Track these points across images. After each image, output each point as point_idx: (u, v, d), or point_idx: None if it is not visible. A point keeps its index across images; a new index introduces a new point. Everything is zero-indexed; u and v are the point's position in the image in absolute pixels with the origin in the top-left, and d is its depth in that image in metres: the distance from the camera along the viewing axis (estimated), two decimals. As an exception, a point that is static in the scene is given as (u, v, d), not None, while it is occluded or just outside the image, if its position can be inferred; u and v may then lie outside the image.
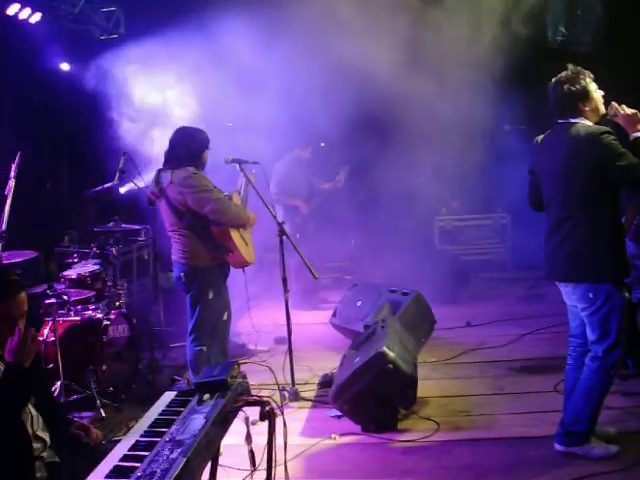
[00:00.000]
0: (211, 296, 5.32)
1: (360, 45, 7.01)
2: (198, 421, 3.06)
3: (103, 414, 5.44)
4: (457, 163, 8.54)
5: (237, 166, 5.66)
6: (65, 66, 8.60)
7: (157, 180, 5.32)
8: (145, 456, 2.82)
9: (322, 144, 8.97)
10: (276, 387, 5.37)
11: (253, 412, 3.36)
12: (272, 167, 8.29)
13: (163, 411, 3.31)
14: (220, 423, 3.15)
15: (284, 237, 5.76)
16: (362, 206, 9.07)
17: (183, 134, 5.37)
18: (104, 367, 5.67)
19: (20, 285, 3.23)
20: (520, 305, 8.48)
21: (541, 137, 4.56)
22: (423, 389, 5.43)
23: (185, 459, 2.69)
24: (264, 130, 7.36)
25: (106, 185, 7.09)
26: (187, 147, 5.30)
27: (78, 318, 5.73)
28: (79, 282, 6.06)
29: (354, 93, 7.49)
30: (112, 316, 5.88)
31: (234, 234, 5.32)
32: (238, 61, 7.17)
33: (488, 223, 10.45)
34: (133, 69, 7.42)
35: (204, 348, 5.34)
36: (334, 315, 7.17)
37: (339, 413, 5.28)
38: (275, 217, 5.66)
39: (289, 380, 5.79)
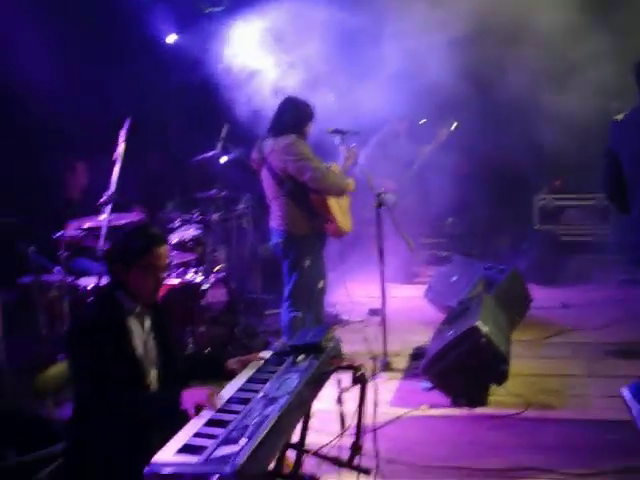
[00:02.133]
0: (308, 264, 5.43)
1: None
2: (292, 380, 3.14)
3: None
4: (561, 142, 8.32)
5: (337, 137, 5.71)
6: (172, 37, 8.82)
7: (259, 147, 5.47)
8: (239, 410, 2.93)
9: (423, 120, 8.83)
10: (368, 357, 5.51)
11: (345, 378, 3.44)
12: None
13: (258, 369, 3.42)
14: (313, 384, 3.24)
15: (382, 208, 5.77)
16: (461, 183, 8.94)
17: (290, 103, 5.48)
18: (202, 329, 5.85)
19: (162, 238, 3.39)
20: (619, 288, 8.24)
21: (621, 115, 4.38)
22: (515, 367, 5.36)
23: (278, 415, 2.78)
24: (366, 101, 7.34)
25: (208, 154, 7.27)
26: (292, 116, 5.42)
27: (179, 281, 5.91)
28: (180, 246, 6.25)
29: (459, 68, 7.40)
30: (211, 280, 6.05)
31: (332, 203, 5.39)
32: (341, 30, 7.17)
33: (591, 204, 10.15)
34: (237, 40, 7.52)
35: (299, 314, 5.46)
36: (428, 290, 7.18)
37: (430, 385, 5.30)
38: (373, 188, 5.68)
39: (381, 351, 5.83)
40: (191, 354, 5.31)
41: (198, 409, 2.96)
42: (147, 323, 3.43)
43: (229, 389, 3.19)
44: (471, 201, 9.33)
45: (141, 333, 3.38)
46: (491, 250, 9.17)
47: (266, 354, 3.62)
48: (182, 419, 2.92)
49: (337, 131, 5.65)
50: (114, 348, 3.19)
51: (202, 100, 8.04)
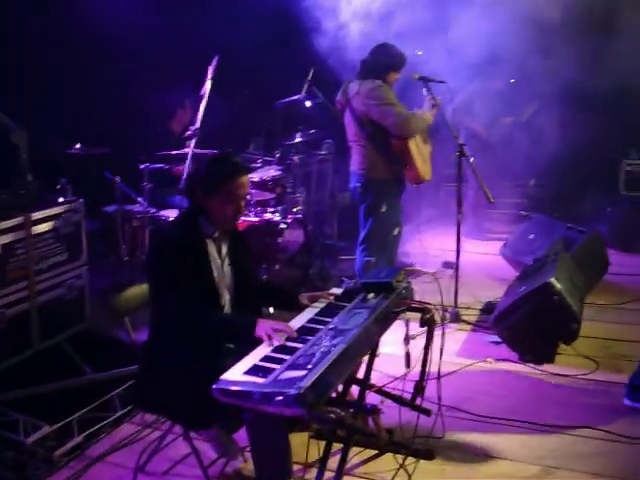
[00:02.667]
0: (384, 209, 5.45)
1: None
2: (361, 316, 3.22)
3: (272, 311, 5.74)
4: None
5: (424, 85, 5.67)
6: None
7: (345, 90, 5.49)
8: (308, 340, 3.02)
9: (512, 80, 8.62)
10: (438, 307, 5.51)
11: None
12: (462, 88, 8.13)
13: (329, 303, 3.50)
14: (381, 321, 3.30)
15: (463, 159, 5.73)
16: (546, 145, 8.75)
17: (381, 49, 5.46)
18: (277, 267, 5.95)
19: (244, 167, 3.48)
20: None
21: None
22: (587, 329, 5.31)
23: (345, 346, 2.86)
24: (454, 58, 7.24)
25: (294, 97, 7.30)
26: (381, 62, 5.40)
27: (257, 219, 5.99)
28: (260, 185, 6.34)
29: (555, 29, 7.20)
30: (289, 220, 6.12)
31: (413, 148, 5.38)
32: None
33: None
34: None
35: (372, 259, 5.50)
36: (504, 246, 7.12)
37: (498, 339, 5.31)
38: (456, 137, 5.63)
39: (452, 302, 5.85)
40: (267, 281, 5.41)
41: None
42: (224, 248, 3.53)
43: (298, 320, 3.29)
44: (556, 163, 9.12)
45: (217, 258, 3.48)
46: (573, 213, 8.98)
47: (337, 291, 3.70)
48: (253, 345, 3.02)
49: (423, 78, 5.61)
50: (192, 268, 3.30)
51: (291, 42, 8.04)
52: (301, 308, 3.51)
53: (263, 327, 3.11)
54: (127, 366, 4.46)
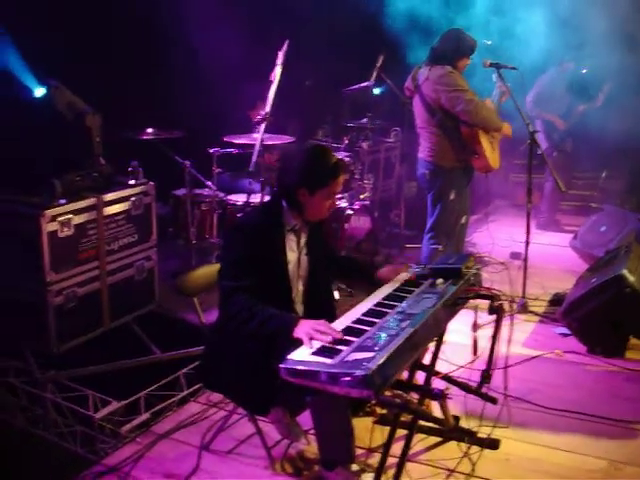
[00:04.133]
0: (452, 197, 5.41)
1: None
2: (429, 301, 3.20)
3: (337, 296, 5.75)
4: None
5: (494, 74, 5.60)
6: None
7: (414, 76, 5.45)
8: (376, 322, 3.01)
9: (584, 70, 8.40)
10: (506, 298, 5.46)
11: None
12: (534, 78, 7.99)
13: (397, 288, 3.48)
14: (449, 307, 3.27)
15: (535, 148, 5.62)
16: (617, 135, 8.52)
17: (452, 35, 5.40)
18: (343, 253, 5.95)
19: (345, 164, 3.47)
20: None
21: None
22: (659, 323, 5.21)
23: (413, 329, 2.85)
24: (529, 41, 7.11)
25: (362, 84, 7.29)
26: (452, 47, 5.34)
27: (325, 205, 5.98)
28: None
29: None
30: (356, 207, 6.11)
31: (483, 137, 5.32)
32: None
33: None
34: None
35: (440, 247, 5.47)
36: (575, 238, 6.99)
37: (567, 331, 5.22)
38: (528, 125, 5.52)
39: (520, 293, 5.77)
40: (347, 256, 5.41)
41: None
42: (303, 239, 3.52)
43: (363, 305, 3.27)
44: (628, 154, 8.89)
45: (295, 249, 3.48)
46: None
47: (394, 285, 3.63)
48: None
49: (494, 65, 5.52)
50: (266, 259, 3.31)
51: (361, 28, 8.01)
52: (380, 283, 3.52)
53: (303, 327, 2.98)
54: (194, 347, 4.51)
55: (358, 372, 2.49)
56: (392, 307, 3.19)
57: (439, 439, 3.82)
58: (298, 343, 2.88)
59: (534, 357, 4.92)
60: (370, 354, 2.62)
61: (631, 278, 4.80)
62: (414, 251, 6.90)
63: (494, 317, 3.50)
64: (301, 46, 6.10)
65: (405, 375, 3.45)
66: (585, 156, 8.51)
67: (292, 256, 3.45)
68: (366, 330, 2.93)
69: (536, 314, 5.67)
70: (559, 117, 8.03)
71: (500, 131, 5.51)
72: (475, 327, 3.42)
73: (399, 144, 7.99)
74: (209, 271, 3.78)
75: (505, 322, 3.62)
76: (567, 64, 7.96)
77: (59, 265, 4.61)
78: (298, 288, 3.52)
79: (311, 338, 2.90)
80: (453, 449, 3.72)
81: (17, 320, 4.65)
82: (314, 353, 2.74)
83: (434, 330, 3.17)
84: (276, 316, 3.15)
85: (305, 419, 3.46)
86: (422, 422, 3.61)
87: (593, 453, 3.78)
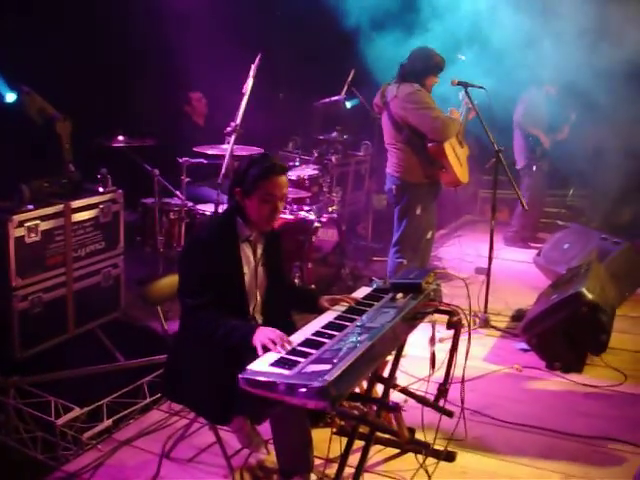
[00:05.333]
0: (418, 212, 5.49)
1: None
2: (388, 315, 3.27)
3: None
4: None
5: (461, 92, 5.70)
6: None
7: (383, 92, 5.53)
8: (335, 335, 3.08)
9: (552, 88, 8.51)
10: (466, 311, 5.52)
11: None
12: (503, 97, 8.06)
13: (357, 302, 3.54)
14: (408, 321, 3.35)
15: (500, 166, 5.71)
16: (587, 155, 8.65)
17: (419, 53, 5.47)
18: (309, 265, 6.00)
19: (283, 168, 3.48)
20: None
21: None
22: (617, 340, 5.32)
23: (370, 343, 2.91)
24: (502, 64, 7.23)
25: (333, 98, 7.37)
26: (420, 65, 5.42)
27: (292, 217, 6.04)
28: (297, 183, 6.40)
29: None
30: (323, 219, 6.16)
31: (449, 152, 5.41)
32: None
33: None
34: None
35: (404, 261, 5.54)
36: (538, 255, 7.11)
37: (526, 347, 5.31)
38: (494, 143, 5.62)
39: (482, 308, 5.86)
40: (291, 284, 5.45)
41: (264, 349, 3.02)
42: (259, 250, 3.57)
43: (319, 322, 3.32)
44: (595, 173, 9.04)
45: (252, 259, 3.53)
46: (612, 224, 8.90)
47: (360, 294, 3.71)
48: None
49: (462, 84, 5.62)
50: (222, 272, 3.35)
51: (333, 44, 8.09)
52: (321, 311, 3.51)
53: (259, 336, 3.07)
54: (158, 355, 4.53)
55: (315, 384, 2.55)
56: (352, 320, 3.26)
57: (397, 451, 3.89)
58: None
59: (493, 371, 5.01)
60: (327, 366, 2.68)
61: (589, 296, 4.90)
62: (381, 264, 6.99)
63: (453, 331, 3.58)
64: (275, 59, 6.17)
65: (365, 387, 3.53)
66: (554, 174, 8.64)
67: (248, 268, 3.50)
68: (325, 342, 2.99)
69: (497, 329, 5.77)
70: (544, 134, 8.10)
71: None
72: (432, 341, 3.50)
73: (369, 157, 8.07)
74: (174, 280, 3.80)
75: (466, 335, 3.69)
76: (549, 87, 8.05)
77: (25, 270, 4.60)
78: (257, 299, 3.57)
79: (264, 346, 2.99)
80: (410, 461, 3.78)
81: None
82: (272, 364, 2.79)
83: (392, 344, 3.24)
84: (238, 327, 3.22)
85: (265, 429, 3.50)
86: (380, 434, 3.67)
87: (549, 467, 3.85)
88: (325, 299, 3.61)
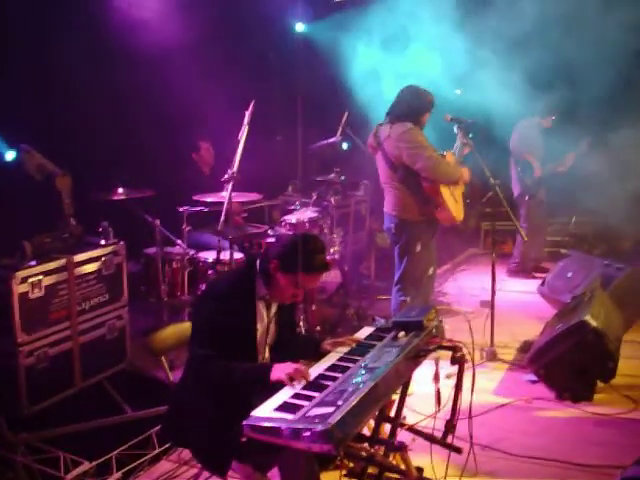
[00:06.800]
0: (419, 249, 5.51)
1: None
2: (391, 354, 3.27)
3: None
4: None
5: (455, 126, 5.75)
6: (300, 26, 9.08)
7: (376, 133, 5.59)
8: (338, 377, 3.08)
9: (552, 117, 8.57)
10: (474, 347, 5.50)
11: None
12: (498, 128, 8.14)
13: (360, 342, 3.55)
14: (411, 359, 3.35)
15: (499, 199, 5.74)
16: (587, 182, 8.68)
17: (409, 92, 5.54)
18: (313, 307, 6.02)
19: (326, 267, 3.50)
20: None
21: None
22: (626, 367, 5.30)
23: (374, 383, 2.91)
24: (495, 94, 7.30)
25: (329, 140, 7.45)
26: (410, 105, 5.48)
27: (294, 260, 6.05)
28: (297, 227, 6.41)
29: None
30: (325, 261, 6.18)
31: (444, 191, 5.45)
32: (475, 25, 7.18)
33: None
34: (366, 31, 7.65)
35: (407, 299, 5.55)
36: (542, 284, 7.11)
37: (535, 378, 5.29)
38: (489, 177, 5.66)
39: (488, 341, 5.85)
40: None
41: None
42: (273, 308, 3.60)
43: (323, 363, 3.34)
44: (596, 201, 9.06)
45: (265, 317, 3.56)
46: (614, 251, 8.91)
47: (362, 335, 3.72)
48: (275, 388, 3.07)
49: (455, 119, 5.69)
50: (236, 327, 3.38)
51: (325, 86, 8.20)
52: (324, 356, 3.50)
53: (277, 371, 3.14)
54: (165, 405, 4.53)
55: (318, 427, 2.55)
56: (355, 361, 3.26)
57: (408, 490, 3.86)
58: (263, 399, 2.94)
59: (502, 405, 4.99)
60: (331, 409, 2.68)
61: (593, 323, 4.90)
62: (385, 302, 6.98)
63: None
64: (269, 104, 6.24)
65: (372, 426, 3.52)
66: (556, 201, 8.65)
67: (261, 325, 3.52)
68: (328, 385, 2.99)
69: (505, 362, 5.76)
70: (539, 163, 8.11)
71: (461, 181, 5.64)
72: (437, 378, 3.49)
73: (368, 197, 8.11)
74: (177, 330, 3.85)
75: (471, 369, 3.68)
76: (547, 119, 8.08)
77: (30, 326, 4.64)
78: (264, 355, 3.61)
79: (289, 376, 3.06)
80: (422, 500, 3.75)
81: (-13, 382, 4.66)
82: (276, 409, 2.79)
83: (396, 382, 3.24)
84: (253, 367, 3.31)
85: (276, 474, 3.49)
86: (389, 474, 3.65)
87: (562, 499, 3.84)
88: (327, 343, 3.62)
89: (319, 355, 3.51)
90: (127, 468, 4.11)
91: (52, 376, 4.81)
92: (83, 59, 6.31)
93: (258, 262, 3.51)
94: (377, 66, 7.33)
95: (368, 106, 6.89)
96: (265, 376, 3.16)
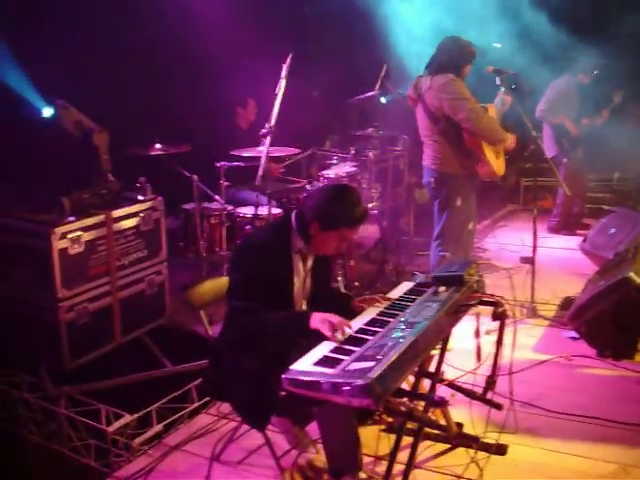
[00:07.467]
0: (459, 203, 5.43)
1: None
2: (431, 308, 3.24)
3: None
4: None
5: (497, 78, 5.61)
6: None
7: (416, 85, 5.48)
8: (378, 331, 3.06)
9: (595, 71, 8.35)
10: (515, 303, 5.45)
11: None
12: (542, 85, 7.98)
13: (400, 297, 3.52)
14: (452, 314, 3.31)
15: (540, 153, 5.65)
16: (629, 137, 8.49)
17: (451, 42, 5.41)
18: (352, 263, 5.99)
19: (366, 215, 3.43)
20: None
21: None
22: (670, 324, 5.20)
23: (414, 338, 2.88)
24: (539, 50, 7.14)
25: (368, 94, 7.34)
26: (451, 55, 5.35)
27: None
28: (336, 181, 6.37)
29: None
30: (364, 216, 6.13)
31: (486, 144, 5.34)
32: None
33: None
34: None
35: (447, 254, 5.48)
36: (584, 241, 6.98)
37: (576, 335, 5.22)
38: (531, 130, 5.54)
39: (529, 298, 5.78)
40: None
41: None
42: (310, 262, 3.57)
43: (361, 318, 3.32)
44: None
45: (302, 271, 3.53)
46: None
47: (403, 289, 3.68)
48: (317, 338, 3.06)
49: (497, 71, 5.54)
50: (275, 278, 3.35)
51: (364, 38, 8.06)
52: (356, 314, 3.44)
53: (317, 319, 3.13)
54: (205, 359, 4.56)
55: (358, 381, 2.53)
56: (395, 316, 3.23)
57: (447, 446, 3.85)
58: (303, 350, 2.93)
59: (543, 362, 4.92)
60: (371, 363, 2.66)
61: (637, 280, 4.79)
62: (424, 258, 6.92)
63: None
64: (307, 58, 6.15)
65: (412, 382, 3.50)
66: (597, 158, 8.48)
67: (298, 279, 3.50)
68: (368, 339, 2.97)
69: (545, 318, 5.68)
70: (573, 123, 7.94)
71: (504, 144, 5.52)
72: (477, 334, 3.46)
73: (407, 152, 8.01)
74: (215, 285, 3.84)
75: (512, 326, 3.64)
76: (583, 76, 7.89)
77: (70, 282, 4.67)
78: (302, 309, 3.58)
79: (330, 324, 3.05)
80: (461, 456, 3.74)
81: (31, 336, 4.72)
82: (316, 363, 2.78)
83: (436, 338, 3.21)
84: (291, 315, 3.34)
85: (315, 428, 3.50)
86: (429, 429, 3.64)
87: (602, 457, 3.78)
88: (358, 300, 3.58)
89: (351, 313, 3.45)
90: (167, 421, 4.15)
91: (92, 331, 4.85)
92: (116, 13, 6.28)
93: (294, 217, 3.46)
94: (416, 18, 7.17)
95: (407, 59, 6.76)
96: (305, 323, 3.15)
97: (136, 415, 4.08)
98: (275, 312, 3.27)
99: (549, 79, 7.89)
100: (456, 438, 3.75)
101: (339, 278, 5.87)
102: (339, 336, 3.01)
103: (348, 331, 3.08)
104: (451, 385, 3.66)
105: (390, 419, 3.81)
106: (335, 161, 6.89)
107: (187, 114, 6.93)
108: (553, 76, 7.92)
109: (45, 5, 5.89)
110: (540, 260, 5.94)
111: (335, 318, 3.10)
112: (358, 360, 2.75)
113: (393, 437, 3.34)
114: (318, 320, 3.12)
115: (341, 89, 7.98)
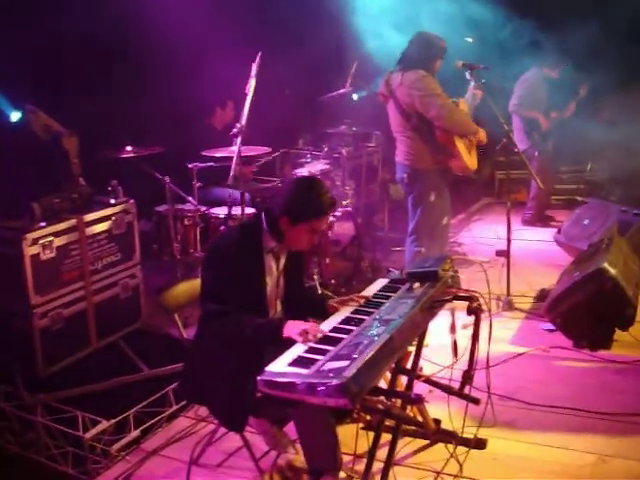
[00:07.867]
0: (432, 199, 5.44)
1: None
2: (406, 305, 3.23)
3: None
4: None
5: (467, 72, 5.62)
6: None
7: (387, 81, 5.48)
8: (353, 330, 3.04)
9: (566, 64, 8.39)
10: (490, 296, 5.45)
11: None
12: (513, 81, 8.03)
13: (375, 294, 3.51)
14: (427, 310, 3.31)
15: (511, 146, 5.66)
16: (602, 128, 8.54)
17: (421, 38, 5.42)
18: (327, 261, 5.97)
19: (333, 203, 3.41)
20: None
21: None
22: (645, 314, 5.24)
23: (389, 335, 2.87)
24: (507, 46, 7.16)
25: (339, 91, 7.32)
26: (420, 51, 5.36)
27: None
28: (308, 179, 6.35)
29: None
30: (338, 214, 6.13)
31: (458, 139, 5.35)
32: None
33: None
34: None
35: (422, 249, 5.49)
36: (558, 232, 7.02)
37: (552, 327, 5.24)
38: (503, 123, 5.57)
39: (505, 291, 5.79)
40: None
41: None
42: (282, 261, 3.54)
43: (336, 317, 3.30)
44: (612, 147, 8.92)
45: (274, 271, 3.50)
46: (631, 197, 8.79)
47: (377, 286, 3.67)
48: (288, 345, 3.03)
49: (467, 65, 5.56)
50: (247, 280, 3.33)
51: (333, 36, 8.04)
52: (330, 315, 3.41)
53: (291, 327, 3.11)
54: (181, 362, 4.52)
55: (333, 381, 2.51)
56: (369, 314, 3.22)
57: (426, 442, 3.85)
58: (278, 354, 2.91)
59: (520, 354, 4.95)
60: (346, 362, 2.64)
61: (612, 271, 4.82)
62: (399, 254, 6.93)
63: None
64: (276, 57, 6.12)
65: (389, 379, 3.49)
66: (570, 149, 8.52)
67: (271, 279, 3.47)
68: (343, 338, 2.96)
69: (522, 311, 5.71)
70: (543, 115, 7.98)
71: (476, 138, 5.53)
72: (453, 329, 3.45)
73: (380, 148, 8.00)
74: (189, 287, 3.81)
75: (488, 319, 3.64)
76: (549, 71, 7.95)
77: (43, 288, 4.63)
78: (277, 309, 3.57)
79: (303, 333, 3.01)
80: (440, 451, 3.75)
81: (4, 344, 4.65)
82: (290, 364, 2.76)
83: (412, 334, 3.20)
84: (266, 323, 3.28)
85: (293, 428, 3.48)
86: (407, 426, 3.64)
87: (581, 448, 3.80)
88: (334, 301, 3.55)
89: (326, 314, 3.44)
90: (145, 425, 4.11)
91: (67, 337, 4.81)
92: (85, 12, 6.19)
93: (263, 216, 3.43)
94: (386, 14, 7.15)
95: (377, 56, 6.74)
96: (278, 332, 3.13)
97: (113, 421, 4.03)
98: (249, 319, 3.25)
99: (516, 73, 7.94)
100: (436, 434, 3.75)
101: (315, 276, 5.84)
102: (312, 344, 2.99)
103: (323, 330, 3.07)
104: (428, 381, 3.65)
105: (368, 417, 3.80)
106: (308, 159, 6.86)
107: (159, 115, 6.86)
108: (520, 70, 7.97)
109: (11, 8, 5.81)
110: (515, 253, 5.97)
111: (309, 326, 3.09)
112: (333, 359, 2.73)
113: (372, 435, 3.34)
114: (291, 328, 3.09)
115: (313, 87, 7.95)
